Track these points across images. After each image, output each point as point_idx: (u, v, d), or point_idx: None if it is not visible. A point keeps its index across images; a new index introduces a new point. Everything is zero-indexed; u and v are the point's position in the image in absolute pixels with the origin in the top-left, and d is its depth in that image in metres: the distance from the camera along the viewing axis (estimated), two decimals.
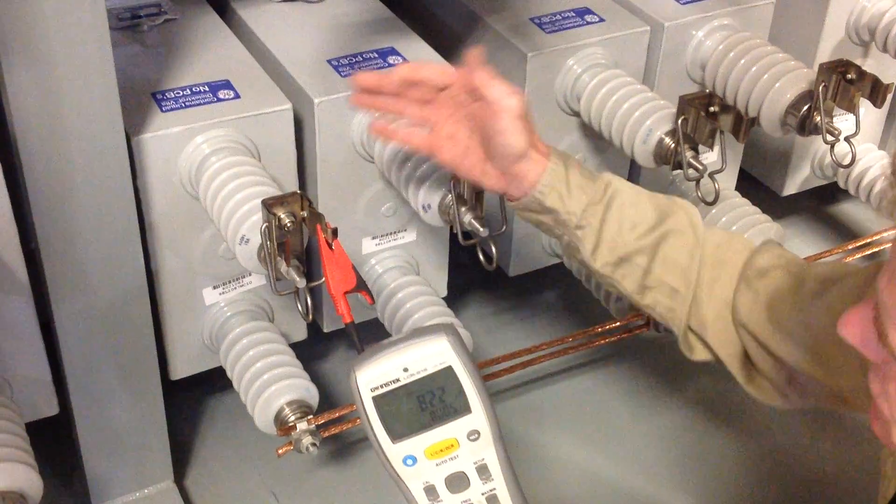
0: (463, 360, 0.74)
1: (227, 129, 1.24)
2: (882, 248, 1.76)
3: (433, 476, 0.76)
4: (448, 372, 0.74)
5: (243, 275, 1.36)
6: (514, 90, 0.87)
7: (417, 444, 0.75)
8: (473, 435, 0.76)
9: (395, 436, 0.75)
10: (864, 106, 1.39)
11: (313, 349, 1.55)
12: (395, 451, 0.75)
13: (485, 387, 0.76)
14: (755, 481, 1.46)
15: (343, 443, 1.52)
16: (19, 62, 1.04)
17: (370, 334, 1.42)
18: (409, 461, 0.75)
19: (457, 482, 0.77)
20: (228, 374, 1.34)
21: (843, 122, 1.43)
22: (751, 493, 1.46)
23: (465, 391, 0.75)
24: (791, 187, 1.82)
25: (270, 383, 1.28)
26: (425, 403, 0.74)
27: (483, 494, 0.77)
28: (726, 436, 1.57)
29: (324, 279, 0.86)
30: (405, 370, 0.73)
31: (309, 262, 1.17)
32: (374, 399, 0.73)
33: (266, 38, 1.41)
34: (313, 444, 1.27)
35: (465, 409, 0.75)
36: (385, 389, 0.73)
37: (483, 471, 0.77)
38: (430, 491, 0.77)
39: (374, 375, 0.73)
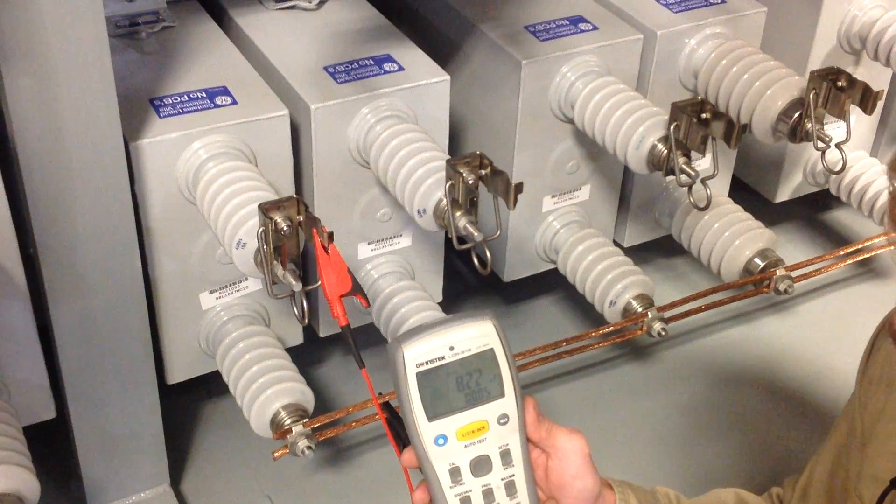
0: (503, 345, 0.76)
1: (224, 134, 1.25)
2: (873, 253, 1.77)
3: (460, 458, 0.77)
4: (489, 354, 0.76)
5: (240, 279, 1.37)
6: (573, 431, 0.82)
7: (451, 424, 0.76)
8: (503, 419, 0.77)
9: (432, 415, 0.75)
10: (856, 113, 1.40)
11: (309, 353, 1.56)
12: (429, 430, 0.76)
13: (517, 373, 0.78)
14: (751, 483, 1.47)
15: (339, 446, 1.53)
16: (19, 69, 1.05)
17: (365, 339, 1.44)
18: (441, 441, 0.76)
19: (481, 465, 0.78)
20: (225, 378, 1.35)
21: (835, 129, 1.45)
22: None
23: (501, 375, 0.76)
24: (783, 194, 1.83)
25: (266, 387, 1.29)
26: (462, 384, 0.76)
27: (503, 480, 0.78)
28: (721, 439, 1.58)
29: (319, 283, 0.86)
30: (451, 349, 0.75)
31: (305, 267, 1.18)
32: (418, 375, 0.74)
33: (263, 45, 1.42)
34: (309, 448, 1.27)
35: (499, 392, 0.77)
36: (429, 366, 0.74)
37: (506, 456, 0.78)
38: (455, 473, 0.77)
39: (421, 351, 0.74)
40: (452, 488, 0.77)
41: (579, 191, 1.59)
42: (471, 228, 1.18)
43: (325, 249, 0.88)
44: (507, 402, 0.77)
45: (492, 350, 0.76)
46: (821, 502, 1.00)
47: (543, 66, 1.44)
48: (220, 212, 1.17)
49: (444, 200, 1.20)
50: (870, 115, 1.38)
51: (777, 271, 1.58)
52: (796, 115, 1.38)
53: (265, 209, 1.10)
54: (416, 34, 1.48)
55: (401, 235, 1.45)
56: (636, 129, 1.36)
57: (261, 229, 1.11)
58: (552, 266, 1.64)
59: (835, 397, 1.62)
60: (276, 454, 1.30)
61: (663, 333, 1.52)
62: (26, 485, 1.10)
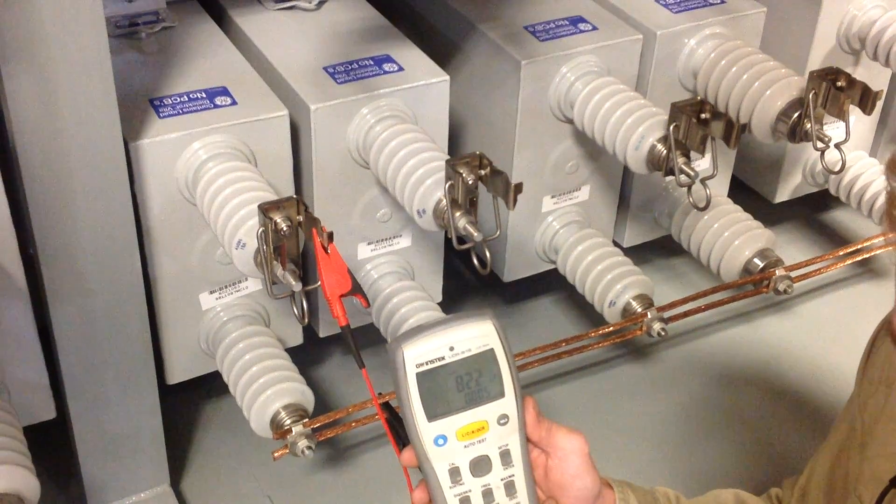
0: (504, 345, 0.76)
1: (223, 135, 1.25)
2: (872, 253, 1.77)
3: (459, 458, 0.77)
4: (489, 354, 0.76)
5: (240, 279, 1.37)
6: (573, 431, 0.82)
7: (451, 424, 0.76)
8: (503, 419, 0.77)
9: (432, 415, 0.75)
10: (855, 113, 1.40)
11: (309, 354, 1.56)
12: (429, 430, 0.76)
13: (517, 373, 0.77)
14: (750, 482, 1.47)
15: (338, 447, 1.53)
16: (19, 69, 1.05)
17: (365, 339, 1.44)
18: (441, 441, 0.76)
19: (481, 466, 0.78)
20: (225, 378, 1.35)
21: (835, 129, 1.45)
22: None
23: (501, 375, 0.76)
24: (783, 194, 1.83)
25: (266, 387, 1.29)
26: (462, 385, 0.76)
27: (502, 480, 0.78)
28: (720, 439, 1.58)
29: (319, 283, 0.86)
30: (451, 349, 0.75)
31: (305, 267, 1.18)
32: (418, 376, 0.74)
33: (263, 45, 1.43)
34: (309, 448, 1.27)
35: (499, 393, 0.77)
36: (429, 367, 0.74)
37: (506, 456, 0.78)
38: (454, 473, 0.77)
39: (420, 352, 0.74)
40: (452, 488, 0.77)
41: (579, 191, 1.59)
42: (470, 228, 1.18)
43: (325, 249, 0.88)
44: (507, 403, 0.77)
45: (492, 350, 0.76)
46: (820, 503, 1.00)
47: (543, 66, 1.44)
48: (220, 212, 1.17)
49: (444, 200, 1.20)
50: (869, 115, 1.38)
51: (776, 271, 1.58)
52: (796, 115, 1.38)
53: (265, 209, 1.10)
54: (416, 34, 1.49)
55: (400, 235, 1.45)
56: (636, 129, 1.36)
57: (260, 229, 1.11)
58: (552, 266, 1.64)
59: (834, 397, 1.62)
60: (276, 454, 1.30)
61: (663, 333, 1.52)
62: (26, 485, 1.10)
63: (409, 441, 0.77)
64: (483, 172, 1.17)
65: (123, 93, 1.17)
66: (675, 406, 1.63)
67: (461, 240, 1.19)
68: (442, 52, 1.51)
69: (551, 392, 1.63)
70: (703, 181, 1.32)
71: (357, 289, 0.87)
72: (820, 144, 1.37)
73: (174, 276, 1.32)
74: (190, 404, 1.58)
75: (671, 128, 1.31)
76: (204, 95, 1.29)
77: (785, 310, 1.81)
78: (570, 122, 1.49)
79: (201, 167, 1.23)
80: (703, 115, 1.29)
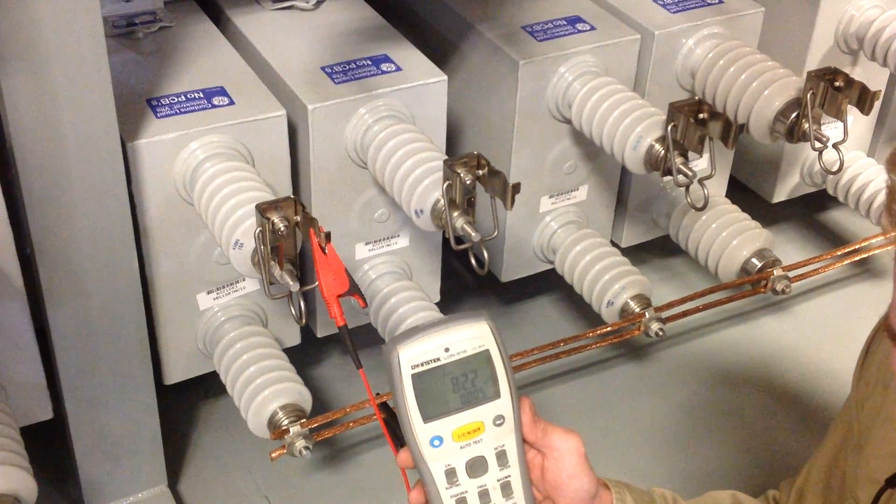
0: (499, 346, 0.76)
1: (221, 135, 1.25)
2: (870, 253, 1.77)
3: (456, 459, 0.77)
4: (485, 355, 0.76)
5: (237, 280, 1.37)
6: (569, 431, 0.82)
7: (447, 425, 0.76)
8: (499, 420, 0.77)
9: (427, 416, 0.75)
10: (853, 113, 1.40)
11: (307, 354, 1.56)
12: (425, 432, 0.76)
13: (513, 374, 0.78)
14: (748, 483, 1.47)
15: (336, 447, 1.53)
16: (16, 69, 1.05)
17: (363, 339, 1.44)
18: (437, 442, 0.76)
19: (477, 466, 0.78)
20: (222, 378, 1.35)
21: (833, 129, 1.45)
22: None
23: (497, 376, 0.76)
24: (781, 194, 1.83)
25: (264, 387, 1.29)
26: (458, 386, 0.76)
27: (498, 481, 0.78)
28: (718, 439, 1.58)
29: (317, 283, 0.86)
30: (446, 350, 0.75)
31: (302, 268, 1.18)
32: (413, 377, 0.74)
33: (260, 45, 1.42)
34: (306, 448, 1.27)
35: (494, 394, 0.77)
36: (425, 368, 0.75)
37: (502, 457, 0.78)
38: (451, 474, 0.77)
39: (416, 353, 0.74)
40: (448, 489, 0.77)
41: (577, 191, 1.59)
42: (468, 229, 1.18)
43: (323, 249, 0.88)
44: (503, 403, 0.77)
45: (487, 351, 0.76)
46: None
47: (541, 66, 1.44)
48: (218, 212, 1.17)
49: (442, 201, 1.19)
50: (867, 115, 1.38)
51: (774, 271, 1.58)
52: (794, 115, 1.38)
53: (262, 209, 1.10)
54: (414, 34, 1.48)
55: (398, 236, 1.45)
56: (633, 129, 1.36)
57: (258, 230, 1.11)
58: (550, 266, 1.64)
59: (832, 397, 1.62)
60: (273, 454, 1.30)
61: (661, 334, 1.52)
62: (24, 485, 1.10)
63: (406, 442, 0.77)
64: (481, 172, 1.17)
65: (121, 93, 1.17)
66: (673, 406, 1.63)
67: (459, 240, 1.19)
68: (440, 52, 1.51)
69: (549, 392, 1.63)
70: (700, 181, 1.32)
71: (355, 289, 0.87)
72: (818, 144, 1.37)
73: (171, 276, 1.32)
74: (187, 405, 1.58)
75: (669, 128, 1.31)
76: (201, 95, 1.29)
77: (783, 310, 1.81)
78: (568, 122, 1.49)
79: (199, 167, 1.23)
80: (701, 115, 1.29)
